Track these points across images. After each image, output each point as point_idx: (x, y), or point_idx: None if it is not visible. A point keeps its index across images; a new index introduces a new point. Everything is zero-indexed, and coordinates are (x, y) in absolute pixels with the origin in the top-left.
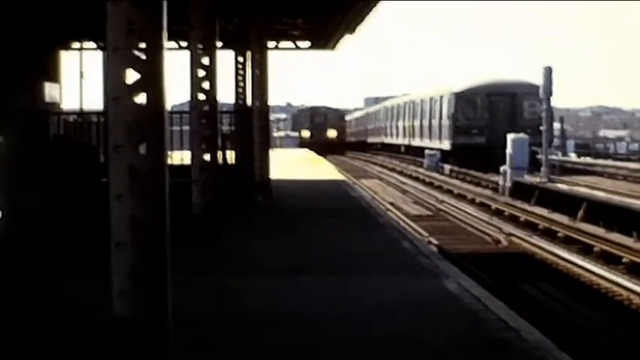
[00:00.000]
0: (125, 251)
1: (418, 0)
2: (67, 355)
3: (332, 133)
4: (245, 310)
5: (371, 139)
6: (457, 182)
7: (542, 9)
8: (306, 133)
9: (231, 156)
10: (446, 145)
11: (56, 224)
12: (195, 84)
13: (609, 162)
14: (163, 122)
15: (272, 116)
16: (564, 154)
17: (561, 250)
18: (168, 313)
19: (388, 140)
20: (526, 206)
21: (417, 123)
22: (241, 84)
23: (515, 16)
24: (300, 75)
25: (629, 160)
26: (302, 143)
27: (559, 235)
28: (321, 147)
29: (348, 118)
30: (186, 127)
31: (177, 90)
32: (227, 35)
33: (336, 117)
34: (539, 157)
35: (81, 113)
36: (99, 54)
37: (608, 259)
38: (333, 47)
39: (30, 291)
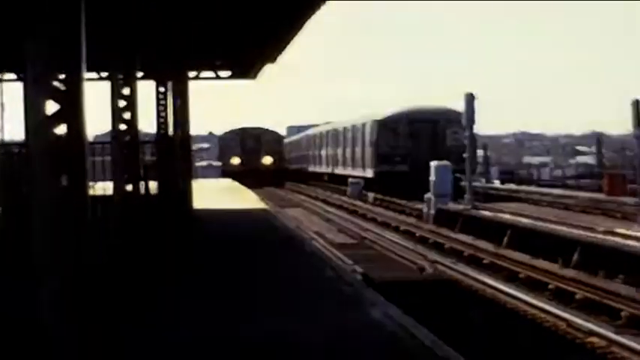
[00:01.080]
0: (48, 280)
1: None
2: None
3: (267, 160)
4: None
5: (311, 168)
6: (381, 210)
7: (460, 34)
8: (235, 160)
9: (153, 186)
10: (369, 173)
11: None
12: (117, 114)
13: (533, 188)
14: (84, 152)
15: (194, 146)
16: (488, 180)
17: (487, 277)
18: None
19: (312, 169)
20: (450, 233)
21: (339, 151)
22: (163, 114)
23: (433, 44)
24: (221, 104)
25: (552, 186)
26: (230, 173)
27: (484, 261)
28: (255, 177)
29: (287, 141)
30: (108, 158)
31: (98, 120)
32: (148, 65)
33: (272, 140)
34: (462, 184)
35: (2, 145)
36: (20, 85)
37: (534, 286)
38: (254, 76)
39: None
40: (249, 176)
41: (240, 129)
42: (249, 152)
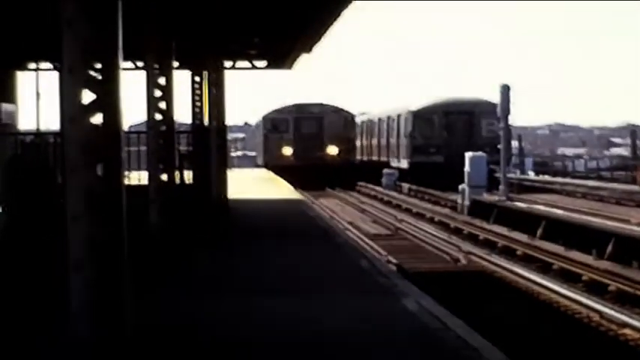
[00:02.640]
0: (83, 271)
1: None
2: None
3: (332, 150)
4: (209, 332)
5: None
6: (416, 201)
7: (496, 26)
8: (286, 151)
9: (188, 176)
10: (404, 163)
11: (14, 245)
12: (152, 104)
13: (567, 180)
14: (120, 142)
15: (229, 136)
16: (522, 172)
17: (520, 268)
18: (126, 332)
19: None
20: (485, 224)
21: (374, 142)
22: (198, 104)
23: (470, 35)
24: (257, 94)
25: (587, 177)
26: (277, 168)
27: (518, 253)
28: (314, 175)
29: (360, 119)
30: (143, 147)
31: (134, 110)
32: (183, 55)
33: (339, 121)
34: (497, 175)
35: (37, 134)
36: (55, 74)
37: (568, 277)
38: (290, 66)
39: None
40: (305, 173)
41: (293, 106)
42: (307, 139)
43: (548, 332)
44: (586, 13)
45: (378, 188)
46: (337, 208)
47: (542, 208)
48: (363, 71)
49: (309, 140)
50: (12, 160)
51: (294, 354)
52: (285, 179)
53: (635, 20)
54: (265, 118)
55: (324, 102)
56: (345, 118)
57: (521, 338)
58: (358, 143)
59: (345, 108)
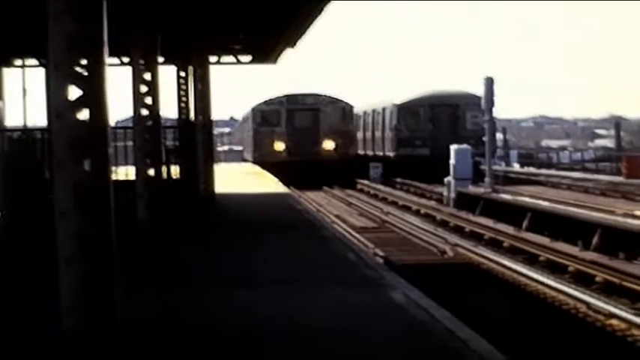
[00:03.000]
0: (72, 267)
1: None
2: None
3: (329, 145)
4: (194, 322)
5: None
6: (402, 194)
7: (480, 18)
8: (278, 146)
9: (175, 171)
10: (390, 156)
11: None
12: (138, 99)
13: (552, 172)
14: (106, 138)
15: (215, 130)
16: (507, 164)
17: (507, 260)
18: (117, 327)
19: None
20: (471, 217)
21: (359, 135)
22: (184, 99)
23: (453, 27)
24: (243, 89)
25: (572, 169)
26: (269, 165)
27: (504, 244)
28: (310, 173)
29: (361, 110)
30: (130, 143)
31: (120, 105)
32: (169, 50)
33: (335, 113)
34: (482, 167)
35: (24, 130)
36: (41, 70)
37: (554, 268)
38: (274, 61)
39: None
40: (299, 171)
41: (285, 97)
42: (301, 133)
43: (535, 323)
44: (570, 5)
45: (364, 181)
46: (324, 202)
47: (527, 199)
48: (348, 64)
49: (304, 134)
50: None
51: (279, 343)
52: (277, 177)
53: (619, 13)
54: (255, 111)
55: (320, 92)
56: (342, 110)
57: (509, 329)
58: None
59: (343, 98)
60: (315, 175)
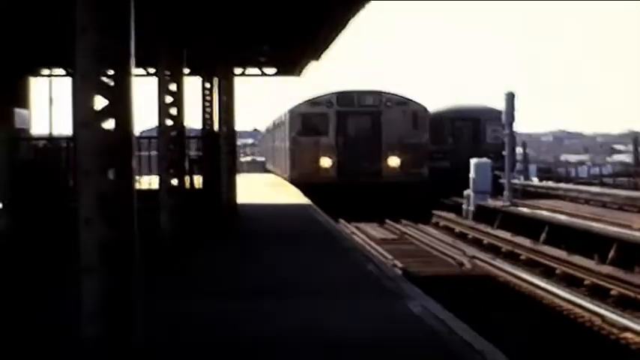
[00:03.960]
0: (94, 275)
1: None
2: None
3: (393, 162)
4: (215, 334)
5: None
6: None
7: (499, 33)
8: (325, 162)
9: (198, 181)
10: None
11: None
12: (163, 110)
13: (571, 186)
14: (131, 147)
15: (239, 141)
16: (527, 178)
17: (524, 273)
18: (138, 336)
19: None
20: (489, 229)
21: None
22: (208, 110)
23: (475, 41)
24: (267, 101)
25: (590, 184)
26: (310, 187)
27: (521, 257)
28: (366, 201)
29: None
30: (154, 152)
31: (145, 116)
32: (194, 61)
33: (404, 117)
34: (501, 181)
35: (50, 139)
36: (68, 80)
37: (570, 282)
38: (299, 74)
39: None
40: (353, 197)
41: (336, 95)
42: (356, 145)
43: (550, 336)
44: (590, 19)
45: None
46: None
47: (545, 213)
48: (369, 76)
49: (360, 147)
50: (25, 164)
51: (299, 353)
52: (322, 204)
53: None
54: (293, 114)
55: (382, 89)
56: (413, 114)
57: (525, 341)
58: None
59: (414, 98)
60: (374, 202)
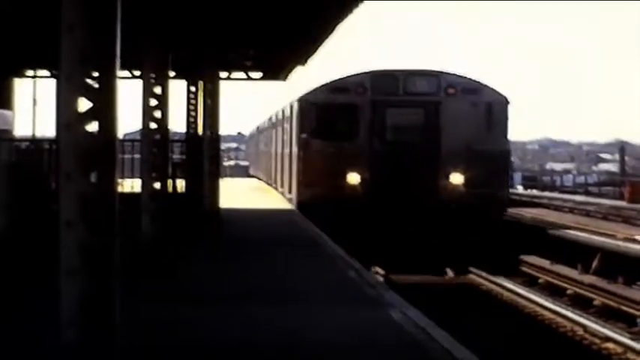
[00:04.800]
0: (75, 279)
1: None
2: None
3: (457, 179)
4: (195, 338)
5: None
6: None
7: (488, 42)
8: (353, 179)
9: (181, 185)
10: None
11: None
12: (147, 113)
13: (556, 194)
14: (114, 150)
15: (223, 145)
16: (511, 186)
17: (506, 282)
18: (117, 340)
19: None
20: None
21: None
22: (193, 113)
23: (460, 50)
24: (252, 105)
25: (575, 192)
26: (330, 213)
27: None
28: (414, 240)
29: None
30: (137, 155)
31: (129, 118)
32: (179, 65)
33: (474, 111)
34: None
35: (33, 140)
36: (52, 82)
37: (553, 291)
38: (285, 78)
39: None
40: (394, 232)
41: (369, 74)
42: (400, 152)
43: (532, 344)
44: (576, 30)
45: None
46: None
47: (528, 221)
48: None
49: (406, 155)
50: (7, 166)
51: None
52: (347, 242)
53: (624, 37)
54: (305, 105)
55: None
56: (488, 108)
57: (506, 350)
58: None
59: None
60: (426, 241)
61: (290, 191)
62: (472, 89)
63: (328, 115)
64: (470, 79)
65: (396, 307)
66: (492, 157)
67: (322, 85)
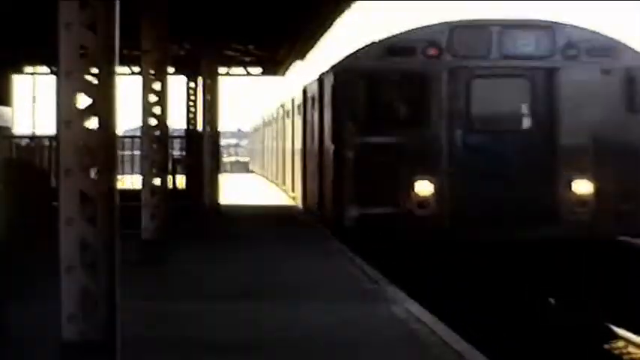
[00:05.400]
0: (75, 275)
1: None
2: None
3: (581, 187)
4: (192, 334)
5: None
6: None
7: None
8: (423, 190)
9: (181, 181)
10: None
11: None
12: (147, 109)
13: None
14: (114, 147)
15: (223, 141)
16: None
17: None
18: (117, 337)
19: None
20: None
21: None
22: (192, 109)
23: None
24: (252, 101)
25: None
26: (385, 244)
27: None
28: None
29: None
30: (137, 152)
31: (128, 115)
32: (179, 61)
33: (608, 83)
34: None
35: (33, 137)
36: (52, 78)
37: None
38: (283, 73)
39: None
40: (488, 276)
41: (447, 25)
42: (495, 147)
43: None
44: None
45: None
46: None
47: None
48: None
49: (504, 152)
50: (7, 162)
51: (284, 352)
52: (414, 289)
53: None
54: (343, 76)
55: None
56: (628, 79)
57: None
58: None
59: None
60: (539, 290)
61: (320, 207)
62: (603, 49)
63: (381, 92)
64: (600, 34)
65: (398, 302)
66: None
67: (370, 45)
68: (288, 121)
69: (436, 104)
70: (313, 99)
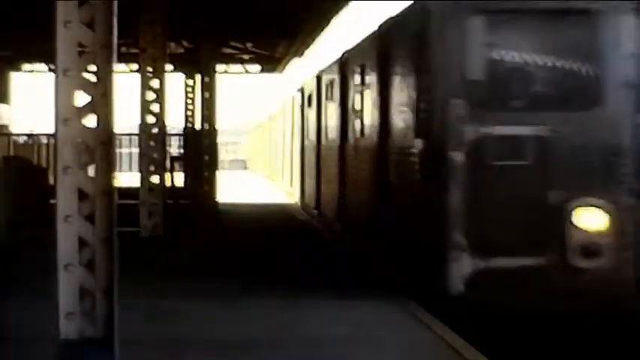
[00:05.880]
0: (73, 272)
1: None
2: None
3: None
4: (189, 333)
5: None
6: None
7: None
8: (593, 222)
9: (179, 178)
10: None
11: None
12: (145, 107)
13: None
14: (112, 144)
15: (220, 139)
16: None
17: None
18: (115, 334)
19: None
20: None
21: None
22: (190, 107)
23: None
24: (250, 98)
25: None
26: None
27: None
28: None
29: None
30: (135, 149)
31: (127, 112)
32: (177, 58)
33: None
34: None
35: (31, 135)
36: (50, 76)
37: None
38: (281, 70)
39: None
40: None
41: None
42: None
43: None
44: None
45: None
46: None
47: None
48: None
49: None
50: (4, 160)
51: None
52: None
53: None
54: (443, 8)
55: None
56: None
57: None
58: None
59: None
60: None
61: (375, 244)
62: None
63: (516, 43)
64: None
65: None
66: None
67: None
68: (312, 109)
69: (608, 67)
70: (371, 66)
